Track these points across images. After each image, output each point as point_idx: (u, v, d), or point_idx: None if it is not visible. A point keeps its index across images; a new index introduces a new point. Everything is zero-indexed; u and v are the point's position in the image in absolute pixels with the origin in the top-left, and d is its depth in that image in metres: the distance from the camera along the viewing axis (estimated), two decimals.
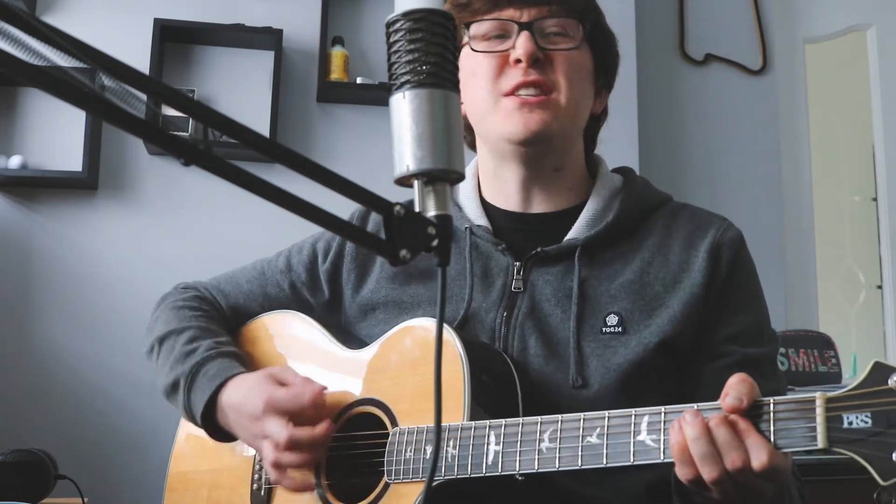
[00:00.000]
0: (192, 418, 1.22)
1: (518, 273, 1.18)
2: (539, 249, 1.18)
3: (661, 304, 1.13)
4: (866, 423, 0.78)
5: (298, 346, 1.30)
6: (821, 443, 0.80)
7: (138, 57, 2.72)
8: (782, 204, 3.35)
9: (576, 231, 1.19)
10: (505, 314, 1.16)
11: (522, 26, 1.15)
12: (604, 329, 1.12)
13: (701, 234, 1.18)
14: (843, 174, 3.99)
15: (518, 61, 1.14)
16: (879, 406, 0.78)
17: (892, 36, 3.55)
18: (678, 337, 1.11)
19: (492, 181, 1.25)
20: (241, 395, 1.15)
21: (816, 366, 2.71)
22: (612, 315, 1.13)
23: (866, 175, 3.69)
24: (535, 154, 1.18)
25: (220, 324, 1.34)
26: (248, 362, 1.29)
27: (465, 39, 1.20)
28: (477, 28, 1.18)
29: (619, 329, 1.12)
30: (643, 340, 1.10)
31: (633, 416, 0.92)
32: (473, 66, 1.18)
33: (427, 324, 1.14)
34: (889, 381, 0.78)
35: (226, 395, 1.17)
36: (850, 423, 0.79)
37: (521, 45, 1.14)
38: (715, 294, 1.14)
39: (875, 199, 3.61)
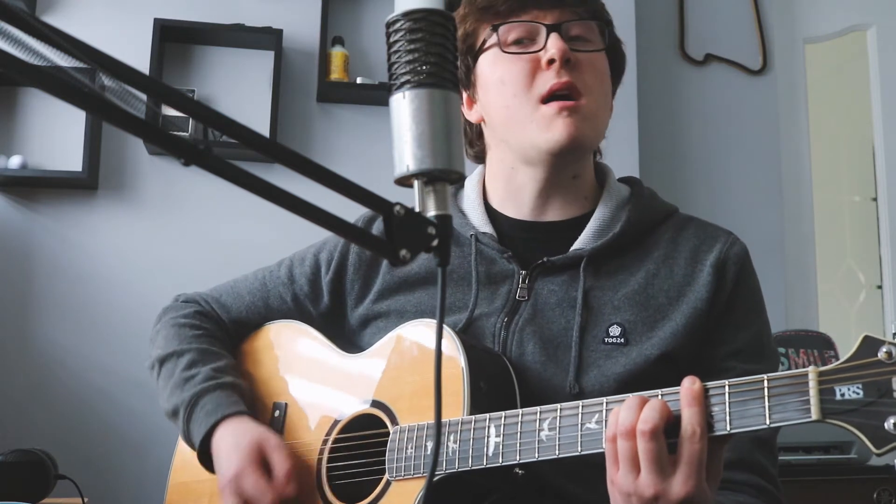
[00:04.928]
0: (191, 446, 1.23)
1: (523, 281, 1.18)
2: (545, 259, 1.18)
3: (665, 316, 1.13)
4: (858, 394, 0.80)
5: (300, 355, 1.30)
6: (814, 415, 0.81)
7: (138, 57, 2.72)
8: (782, 204, 3.35)
9: (582, 241, 1.19)
10: (506, 320, 1.16)
11: (550, 28, 1.15)
12: (606, 339, 1.12)
13: (706, 248, 1.18)
14: (843, 174, 3.99)
15: (551, 62, 1.13)
16: (870, 377, 0.80)
17: (892, 36, 3.55)
18: (680, 350, 1.11)
19: (503, 189, 1.24)
20: (225, 448, 1.16)
21: (816, 366, 2.71)
22: (616, 326, 1.13)
23: (866, 175, 3.68)
24: (565, 160, 1.17)
25: (221, 342, 1.34)
26: (249, 381, 1.30)
27: (489, 44, 1.19)
28: (503, 33, 1.17)
29: (622, 340, 1.12)
30: (645, 352, 1.11)
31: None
32: (501, 73, 1.17)
33: (424, 325, 1.14)
34: (878, 353, 0.80)
35: (217, 437, 1.18)
36: (843, 395, 0.81)
37: (553, 44, 1.13)
38: (719, 309, 1.14)
39: (875, 199, 3.61)
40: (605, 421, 0.91)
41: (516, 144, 1.19)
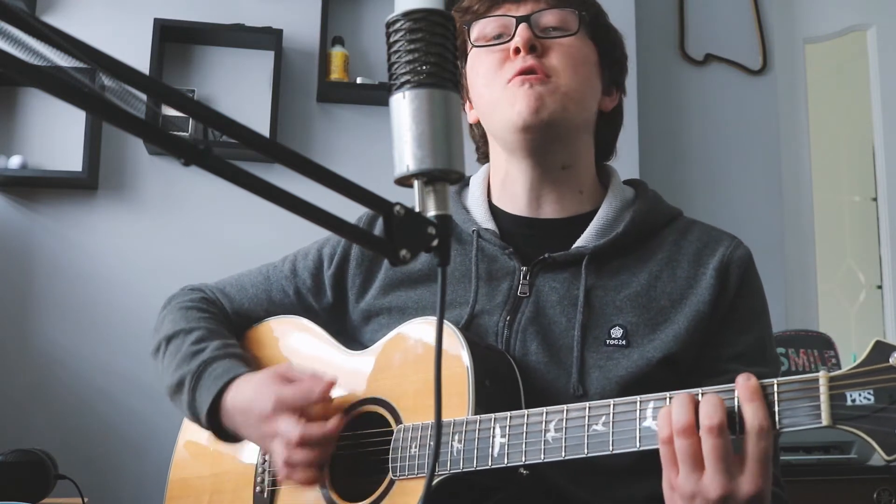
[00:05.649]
0: (196, 417, 1.21)
1: (524, 278, 1.18)
2: (546, 255, 1.18)
3: (667, 319, 1.13)
4: (869, 399, 0.79)
5: (302, 349, 1.30)
6: (825, 420, 0.80)
7: (138, 57, 2.72)
8: (782, 204, 3.35)
9: (585, 239, 1.19)
10: (508, 318, 1.16)
11: (520, 20, 1.17)
12: (608, 341, 1.12)
13: (710, 251, 1.18)
14: (843, 174, 3.99)
15: (517, 51, 1.15)
16: (881, 383, 0.79)
17: (892, 36, 3.55)
18: (682, 353, 1.11)
19: (502, 184, 1.25)
20: (249, 395, 1.15)
21: (817, 366, 2.71)
22: (617, 327, 1.13)
23: (866, 175, 3.68)
24: (542, 144, 1.17)
25: (226, 326, 1.34)
26: (254, 365, 1.28)
27: (471, 45, 1.22)
28: (477, 29, 1.20)
29: (624, 342, 1.12)
30: (646, 355, 1.10)
31: (637, 403, 0.92)
32: (477, 67, 1.20)
33: (428, 323, 1.14)
34: (890, 359, 0.80)
35: (231, 396, 1.17)
36: (854, 401, 0.80)
37: (518, 34, 1.16)
38: (722, 313, 1.14)
39: (875, 199, 3.61)
40: (653, 421, 0.89)
41: (495, 132, 1.21)
